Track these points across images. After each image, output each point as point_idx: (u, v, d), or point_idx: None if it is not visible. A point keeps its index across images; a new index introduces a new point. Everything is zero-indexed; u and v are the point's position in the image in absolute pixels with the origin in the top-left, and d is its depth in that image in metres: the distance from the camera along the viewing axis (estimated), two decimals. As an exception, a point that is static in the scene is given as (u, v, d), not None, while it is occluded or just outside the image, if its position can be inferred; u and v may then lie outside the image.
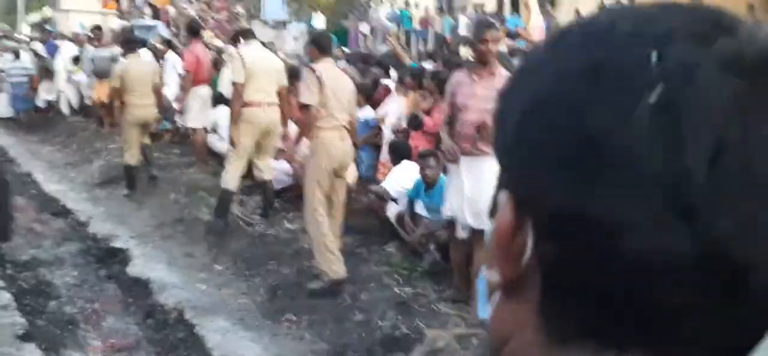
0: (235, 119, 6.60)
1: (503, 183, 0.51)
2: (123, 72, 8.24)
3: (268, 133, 6.74)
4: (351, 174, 6.23)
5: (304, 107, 5.31)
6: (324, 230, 5.23)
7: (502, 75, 4.57)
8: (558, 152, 0.44)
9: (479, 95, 4.52)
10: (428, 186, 5.70)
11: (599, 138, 0.42)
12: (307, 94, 5.22)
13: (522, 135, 0.47)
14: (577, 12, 16.95)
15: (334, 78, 5.39)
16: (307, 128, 5.45)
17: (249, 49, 6.93)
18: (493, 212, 0.52)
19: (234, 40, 8.18)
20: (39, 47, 13.94)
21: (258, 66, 6.57)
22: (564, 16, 18.12)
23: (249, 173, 7.11)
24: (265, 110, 6.59)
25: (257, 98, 6.51)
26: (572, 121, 0.43)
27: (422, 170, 5.69)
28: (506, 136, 0.51)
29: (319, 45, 5.60)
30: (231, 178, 6.60)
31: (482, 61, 4.60)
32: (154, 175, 8.33)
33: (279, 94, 6.76)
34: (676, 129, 0.41)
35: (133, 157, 8.18)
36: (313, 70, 5.26)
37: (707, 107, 0.41)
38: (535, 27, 10.78)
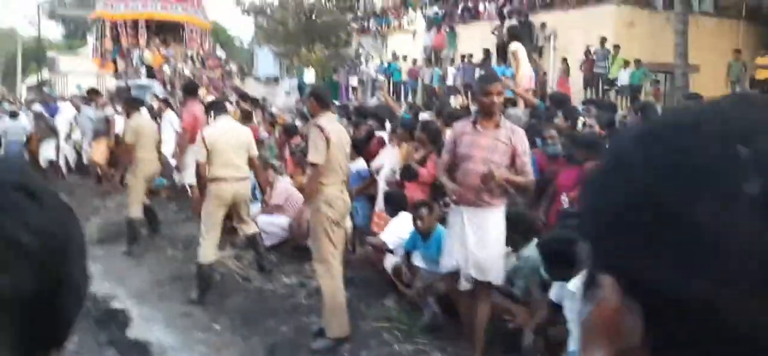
0: (200, 195, 6.78)
1: (601, 267, 0.54)
2: (137, 128, 8.51)
3: (237, 204, 6.84)
4: (347, 225, 6.31)
5: (312, 166, 5.26)
6: (339, 283, 5.28)
7: (506, 126, 4.65)
8: (667, 240, 0.48)
9: (483, 146, 4.58)
10: (424, 236, 5.76)
11: (705, 227, 0.47)
12: (315, 153, 5.17)
13: (627, 225, 0.51)
14: (565, 61, 17.35)
15: (337, 133, 5.40)
16: (313, 188, 5.27)
17: (214, 128, 6.95)
18: (587, 293, 0.56)
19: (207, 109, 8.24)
20: (40, 108, 14.15)
21: (223, 142, 6.65)
22: (550, 65, 18.51)
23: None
24: (232, 184, 6.66)
25: (223, 174, 6.60)
26: (678, 212, 0.48)
27: (415, 220, 5.75)
28: (601, 223, 0.55)
29: (320, 99, 5.53)
30: (207, 252, 6.61)
31: (487, 113, 4.64)
32: (157, 226, 8.51)
33: (250, 163, 6.92)
34: None
35: (138, 210, 8.41)
36: (322, 129, 5.18)
37: None
38: (524, 76, 10.98)
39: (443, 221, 5.86)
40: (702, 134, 0.50)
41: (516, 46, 11.10)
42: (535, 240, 4.82)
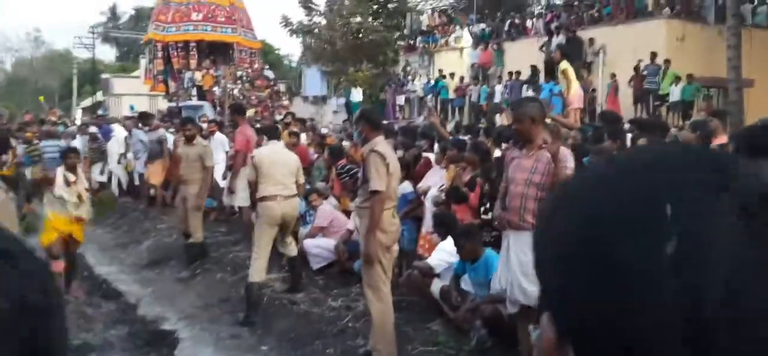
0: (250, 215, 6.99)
1: (544, 304, 0.59)
2: (204, 151, 8.92)
3: (286, 223, 7.07)
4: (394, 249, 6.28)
5: (374, 194, 5.03)
6: (389, 308, 5.25)
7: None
8: (592, 280, 0.53)
9: (525, 168, 4.59)
10: (471, 261, 5.69)
11: (628, 272, 0.51)
12: (379, 181, 5.00)
13: (560, 265, 0.56)
14: (614, 77, 17.02)
15: (392, 157, 5.28)
16: (379, 216, 5.06)
17: (264, 149, 7.38)
18: (540, 320, 0.60)
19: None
20: (94, 130, 14.58)
21: (272, 162, 6.96)
22: (599, 81, 18.18)
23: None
24: (280, 203, 6.87)
25: (272, 192, 6.86)
26: (605, 255, 0.52)
27: (458, 249, 5.69)
28: (540, 258, 0.60)
29: (372, 122, 5.38)
30: (257, 271, 6.73)
31: (523, 138, 4.69)
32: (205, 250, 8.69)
33: (297, 188, 7.22)
34: (690, 275, 0.49)
35: (201, 235, 8.69)
36: (383, 156, 5.06)
37: (716, 258, 0.49)
38: (575, 95, 10.78)
39: (489, 243, 5.79)
40: (636, 183, 0.54)
41: (566, 65, 10.93)
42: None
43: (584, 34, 19.55)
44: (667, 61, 16.72)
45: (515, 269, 4.58)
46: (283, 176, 6.95)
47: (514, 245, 4.62)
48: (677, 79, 16.23)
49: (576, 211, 0.57)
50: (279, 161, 7.03)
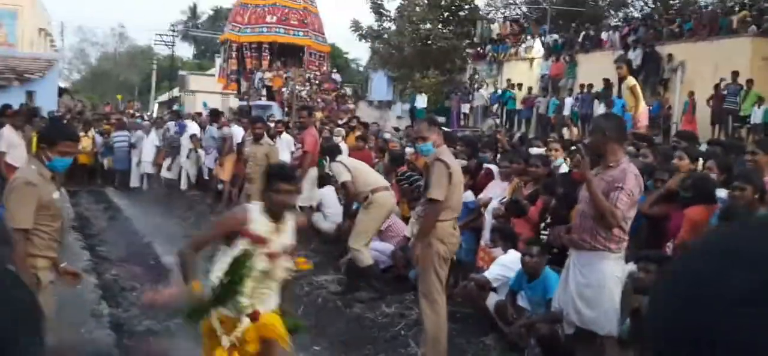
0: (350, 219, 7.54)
1: None
2: (271, 151, 9.11)
3: (390, 216, 7.61)
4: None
5: (431, 201, 5.03)
6: (443, 320, 5.19)
7: (620, 167, 4.41)
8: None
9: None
10: (530, 277, 5.59)
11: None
12: (439, 190, 4.97)
13: (660, 343, 0.57)
14: (692, 95, 16.42)
15: (456, 168, 5.24)
16: (431, 224, 5.08)
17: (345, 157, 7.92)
18: None
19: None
20: (172, 126, 15.01)
21: (360, 163, 7.68)
22: (675, 99, 17.58)
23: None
24: (390, 193, 7.53)
25: (382, 183, 7.44)
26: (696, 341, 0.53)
27: (524, 256, 5.60)
28: (649, 334, 0.61)
29: (439, 129, 5.41)
30: (365, 256, 7.12)
31: (597, 153, 4.58)
32: None
33: None
34: None
35: None
36: (448, 165, 5.03)
37: None
38: (643, 113, 10.44)
39: (551, 262, 5.67)
40: (735, 266, 0.53)
41: (633, 81, 10.60)
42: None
43: (662, 50, 18.96)
44: (749, 82, 16.00)
45: (572, 289, 4.47)
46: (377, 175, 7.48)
47: (573, 265, 4.52)
48: (760, 100, 15.51)
49: (676, 290, 0.58)
50: (364, 167, 7.65)
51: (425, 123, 5.57)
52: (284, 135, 12.33)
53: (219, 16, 53.45)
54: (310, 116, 10.04)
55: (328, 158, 8.01)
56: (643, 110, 10.29)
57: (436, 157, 5.09)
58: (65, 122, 14.90)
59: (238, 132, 12.84)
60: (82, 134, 16.32)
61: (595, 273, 4.41)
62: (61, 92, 24.17)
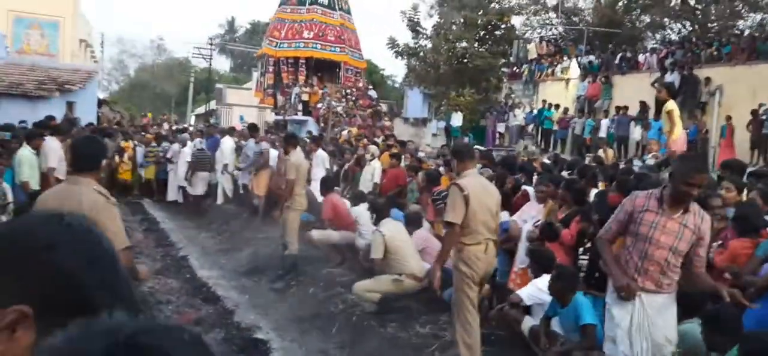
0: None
1: None
2: (298, 165, 9.01)
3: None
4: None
5: (448, 225, 5.24)
6: (476, 344, 5.31)
7: (694, 210, 4.25)
8: None
9: (671, 231, 4.22)
10: (562, 303, 5.56)
11: None
12: (452, 213, 5.16)
13: None
14: (728, 119, 16.17)
15: (479, 192, 5.29)
16: (449, 247, 5.34)
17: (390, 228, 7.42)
18: None
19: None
20: (200, 143, 14.98)
21: (402, 242, 7.26)
22: (713, 123, 17.32)
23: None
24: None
25: (417, 270, 7.09)
26: None
27: (550, 286, 5.57)
28: None
29: (461, 156, 5.58)
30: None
31: (680, 201, 4.23)
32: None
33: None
34: None
35: (296, 247, 8.93)
36: (462, 189, 5.17)
37: None
38: (680, 139, 10.29)
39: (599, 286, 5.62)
40: None
41: (672, 106, 10.46)
42: (696, 317, 4.54)
43: (700, 73, 18.71)
44: (789, 107, 15.72)
45: (657, 332, 4.32)
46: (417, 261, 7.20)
47: (650, 307, 4.32)
48: (800, 126, 15.20)
49: None
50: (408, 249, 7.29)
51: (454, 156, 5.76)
52: (319, 151, 12.46)
53: (256, 31, 54.23)
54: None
55: (375, 215, 7.67)
56: (678, 135, 10.15)
57: (453, 182, 5.33)
58: (108, 133, 15.21)
59: (273, 153, 12.97)
60: (123, 143, 16.68)
61: (666, 311, 4.38)
62: (100, 102, 24.70)
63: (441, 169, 10.81)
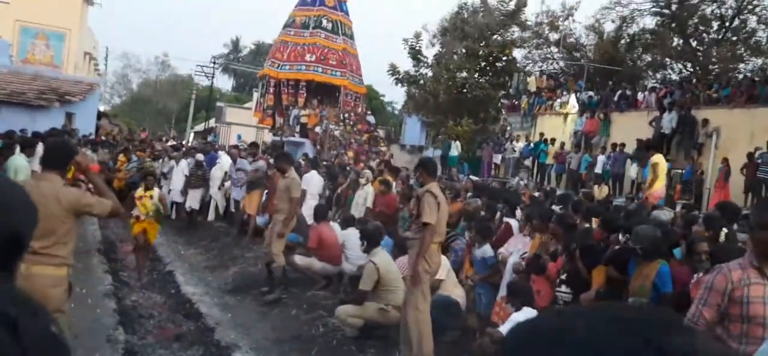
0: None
1: None
2: (299, 183, 9.32)
3: None
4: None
5: (426, 225, 6.04)
6: (427, 328, 6.17)
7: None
8: None
9: None
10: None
11: None
12: (430, 215, 6.03)
13: None
14: (725, 161, 16.17)
15: (442, 201, 6.24)
16: (429, 244, 6.11)
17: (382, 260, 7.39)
18: None
19: None
20: (201, 157, 15.08)
21: (392, 273, 7.33)
22: (709, 164, 17.33)
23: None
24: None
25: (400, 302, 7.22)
26: None
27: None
28: None
29: (428, 170, 6.48)
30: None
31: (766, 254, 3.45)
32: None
33: None
34: None
35: (282, 260, 8.98)
36: (435, 195, 6.11)
37: None
38: (658, 194, 10.22)
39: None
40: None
41: (658, 159, 10.44)
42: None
43: (698, 114, 18.74)
44: (786, 152, 15.70)
45: None
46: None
47: None
48: (796, 172, 15.18)
49: None
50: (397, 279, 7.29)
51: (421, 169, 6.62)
52: (312, 173, 12.45)
53: (260, 51, 54.58)
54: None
55: (365, 242, 7.48)
56: (657, 189, 10.12)
57: (427, 190, 6.18)
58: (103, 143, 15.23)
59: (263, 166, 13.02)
60: (121, 158, 16.69)
61: None
62: (100, 115, 24.76)
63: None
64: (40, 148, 9.98)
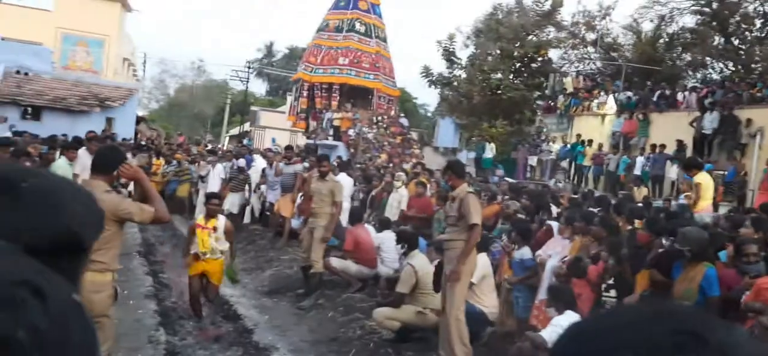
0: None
1: None
2: (335, 187, 9.22)
3: None
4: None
5: (474, 226, 6.07)
6: (464, 321, 6.24)
7: None
8: None
9: None
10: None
11: None
12: (477, 216, 6.06)
13: None
14: (770, 162, 15.73)
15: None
16: (474, 245, 6.20)
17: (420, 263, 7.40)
18: None
19: None
20: (242, 162, 15.18)
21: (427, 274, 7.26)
22: (752, 165, 16.90)
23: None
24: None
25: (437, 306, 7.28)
26: None
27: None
28: None
29: (456, 172, 6.52)
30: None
31: None
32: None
33: None
34: None
35: (321, 266, 9.03)
36: (478, 195, 6.45)
37: None
38: (702, 211, 9.70)
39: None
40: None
41: (702, 178, 10.06)
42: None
43: (741, 114, 18.27)
44: (832, 152, 15.22)
45: None
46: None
47: None
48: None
49: None
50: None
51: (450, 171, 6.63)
52: (345, 176, 12.47)
53: (293, 56, 54.90)
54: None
55: (404, 245, 7.51)
56: (701, 210, 9.73)
57: (468, 191, 6.23)
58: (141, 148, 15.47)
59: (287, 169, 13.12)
60: (156, 161, 16.97)
61: None
62: (139, 120, 25.19)
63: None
64: (81, 152, 10.20)
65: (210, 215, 7.68)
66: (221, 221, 7.77)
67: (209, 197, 8.40)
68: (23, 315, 0.65)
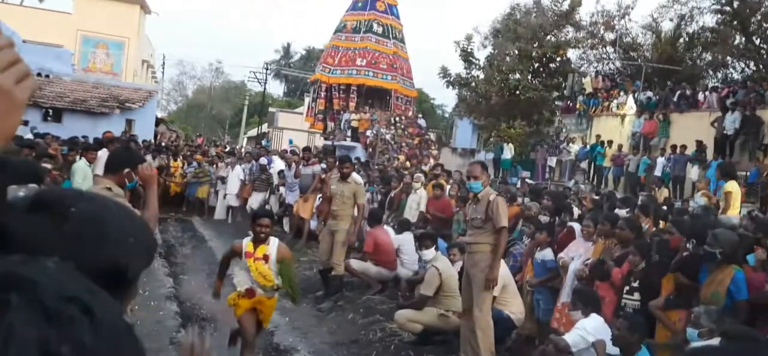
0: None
1: None
2: (358, 189, 9.22)
3: None
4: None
5: (503, 229, 6.17)
6: (491, 324, 6.29)
7: None
8: None
9: None
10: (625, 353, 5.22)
11: None
12: (505, 218, 6.14)
13: None
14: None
15: None
16: (504, 248, 6.42)
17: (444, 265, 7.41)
18: None
19: None
20: (264, 161, 15.25)
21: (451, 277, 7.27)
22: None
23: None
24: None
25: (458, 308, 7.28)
26: None
27: (614, 332, 5.26)
28: None
29: (488, 171, 6.75)
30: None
31: None
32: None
33: None
34: None
35: (343, 269, 9.07)
36: (505, 199, 6.43)
37: None
38: (730, 219, 9.45)
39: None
40: None
41: (732, 187, 9.85)
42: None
43: (763, 114, 18.02)
44: None
45: None
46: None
47: None
48: None
49: None
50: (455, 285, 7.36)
51: (479, 166, 6.58)
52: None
53: (311, 57, 55.04)
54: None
55: (421, 245, 7.49)
56: (730, 215, 9.57)
57: (497, 194, 6.34)
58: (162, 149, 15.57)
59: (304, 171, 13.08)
60: (174, 163, 17.07)
61: None
62: (158, 121, 25.35)
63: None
64: (101, 154, 10.26)
65: (258, 240, 5.76)
66: (273, 246, 5.79)
67: (256, 216, 6.01)
68: (70, 331, 0.64)
